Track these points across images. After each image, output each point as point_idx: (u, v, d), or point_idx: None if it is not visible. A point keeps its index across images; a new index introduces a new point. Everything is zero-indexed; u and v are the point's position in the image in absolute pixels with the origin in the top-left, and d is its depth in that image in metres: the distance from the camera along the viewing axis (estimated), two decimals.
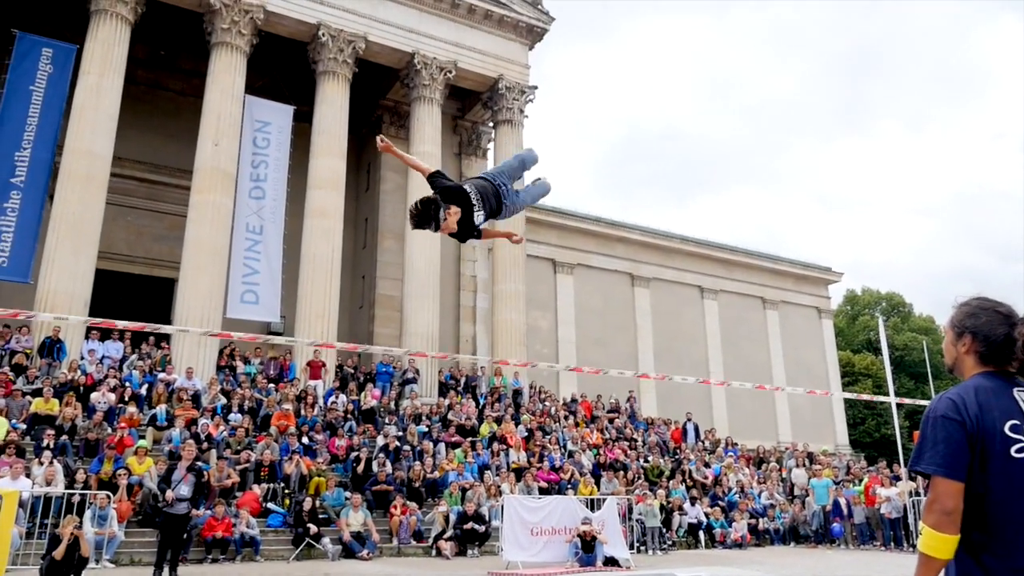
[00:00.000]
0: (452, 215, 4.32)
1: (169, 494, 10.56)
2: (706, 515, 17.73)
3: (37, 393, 14.87)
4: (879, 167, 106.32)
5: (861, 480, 19.55)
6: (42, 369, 15.98)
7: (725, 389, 31.52)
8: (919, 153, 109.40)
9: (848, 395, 32.61)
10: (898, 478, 18.00)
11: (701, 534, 17.28)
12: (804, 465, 21.71)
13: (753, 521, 18.04)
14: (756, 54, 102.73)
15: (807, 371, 34.97)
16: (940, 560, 2.26)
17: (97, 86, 18.40)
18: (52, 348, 16.34)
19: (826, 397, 33.77)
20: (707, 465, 20.40)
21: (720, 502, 18.62)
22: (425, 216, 4.24)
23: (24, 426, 14.14)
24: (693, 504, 17.83)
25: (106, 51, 18.66)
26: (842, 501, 18.18)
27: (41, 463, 12.44)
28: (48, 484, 11.99)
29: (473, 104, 25.76)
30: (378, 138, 4.71)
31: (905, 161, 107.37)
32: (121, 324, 10.79)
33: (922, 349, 39.73)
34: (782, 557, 15.30)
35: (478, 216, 4.50)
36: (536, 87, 24.46)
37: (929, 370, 35.81)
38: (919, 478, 13.07)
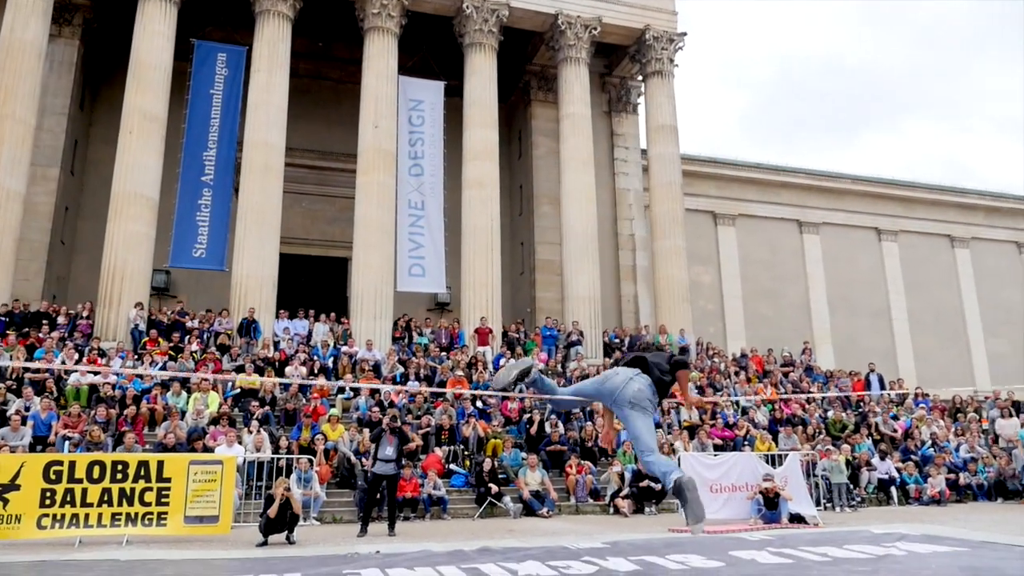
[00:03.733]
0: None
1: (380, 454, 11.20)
2: (898, 470, 16.63)
3: (240, 369, 16.43)
4: None
5: None
6: (242, 347, 17.60)
7: (911, 338, 29.31)
8: None
9: None
10: None
11: (893, 490, 16.24)
12: (1010, 414, 19.78)
13: (952, 476, 16.71)
14: None
15: (1006, 313, 31.77)
16: None
17: (267, 82, 19.74)
18: (249, 328, 17.93)
19: None
20: (895, 418, 19.14)
21: (913, 456, 17.39)
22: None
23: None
24: (883, 459, 16.79)
25: (272, 49, 19.95)
26: None
27: (250, 431, 13.78)
28: (257, 450, 13.25)
29: (620, 59, 25.17)
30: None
31: None
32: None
33: None
34: (987, 514, 14.04)
35: None
36: (685, 34, 23.47)
37: None
38: None
